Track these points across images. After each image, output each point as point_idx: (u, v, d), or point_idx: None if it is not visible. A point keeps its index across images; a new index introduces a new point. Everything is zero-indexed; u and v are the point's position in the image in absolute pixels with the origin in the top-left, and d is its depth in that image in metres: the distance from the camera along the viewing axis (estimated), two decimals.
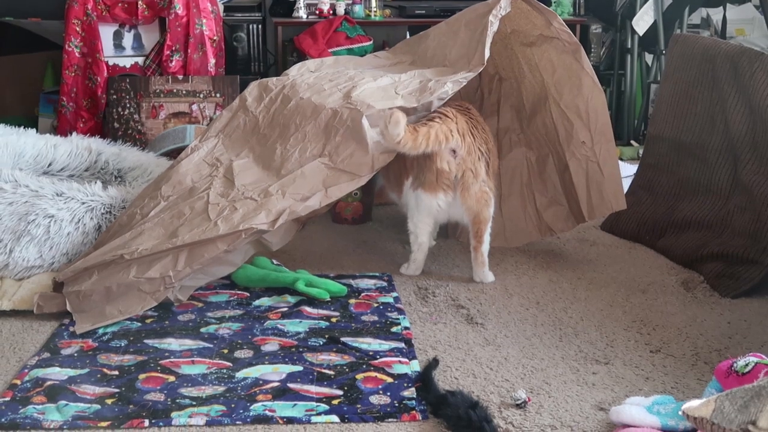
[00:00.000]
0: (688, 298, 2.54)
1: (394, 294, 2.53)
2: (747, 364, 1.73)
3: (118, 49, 3.82)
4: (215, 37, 3.88)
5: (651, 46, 4.54)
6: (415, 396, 1.93)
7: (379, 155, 2.45)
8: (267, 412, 1.85)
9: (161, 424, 1.81)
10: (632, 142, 4.45)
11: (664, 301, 2.51)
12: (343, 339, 2.21)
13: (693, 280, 2.65)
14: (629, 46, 4.49)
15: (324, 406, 1.88)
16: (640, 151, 3.63)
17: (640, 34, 4.44)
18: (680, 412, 1.52)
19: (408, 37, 4.36)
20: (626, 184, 2.96)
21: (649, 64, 4.62)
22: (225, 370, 2.05)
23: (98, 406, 1.87)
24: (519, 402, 1.88)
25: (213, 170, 2.52)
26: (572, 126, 2.76)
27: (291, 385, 1.97)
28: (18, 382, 1.98)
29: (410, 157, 2.56)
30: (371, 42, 4.15)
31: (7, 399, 1.90)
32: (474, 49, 2.58)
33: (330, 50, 3.99)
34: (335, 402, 1.90)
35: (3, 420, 1.81)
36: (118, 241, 2.36)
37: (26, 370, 2.04)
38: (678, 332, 2.29)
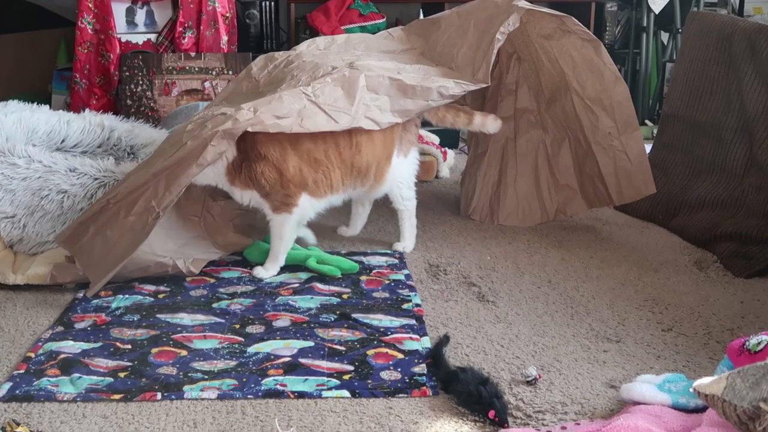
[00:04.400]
0: (701, 277, 2.53)
1: (406, 271, 2.53)
2: (759, 343, 1.72)
3: (131, 26, 3.81)
4: (228, 14, 3.86)
5: (667, 24, 4.49)
6: (425, 372, 1.93)
7: (363, 119, 2.41)
8: (278, 386, 1.86)
9: (173, 397, 1.82)
10: (647, 121, 4.41)
11: (676, 281, 2.50)
12: (354, 315, 2.21)
13: (706, 260, 2.63)
14: (645, 25, 4.44)
15: (335, 381, 1.88)
16: (655, 131, 3.60)
17: (656, 12, 4.39)
18: (691, 389, 1.52)
19: (421, 15, 4.33)
20: None
21: (665, 42, 4.57)
22: (237, 345, 2.06)
23: (111, 379, 1.89)
24: (529, 379, 1.89)
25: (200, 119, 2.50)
26: (597, 118, 2.75)
27: (302, 360, 1.98)
28: (32, 355, 2.00)
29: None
30: (384, 19, 4.13)
31: (22, 371, 1.92)
32: (480, 62, 2.57)
33: (343, 27, 3.96)
34: (346, 377, 1.90)
35: (18, 392, 1.83)
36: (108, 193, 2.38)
37: (40, 344, 2.05)
38: (690, 311, 2.28)
